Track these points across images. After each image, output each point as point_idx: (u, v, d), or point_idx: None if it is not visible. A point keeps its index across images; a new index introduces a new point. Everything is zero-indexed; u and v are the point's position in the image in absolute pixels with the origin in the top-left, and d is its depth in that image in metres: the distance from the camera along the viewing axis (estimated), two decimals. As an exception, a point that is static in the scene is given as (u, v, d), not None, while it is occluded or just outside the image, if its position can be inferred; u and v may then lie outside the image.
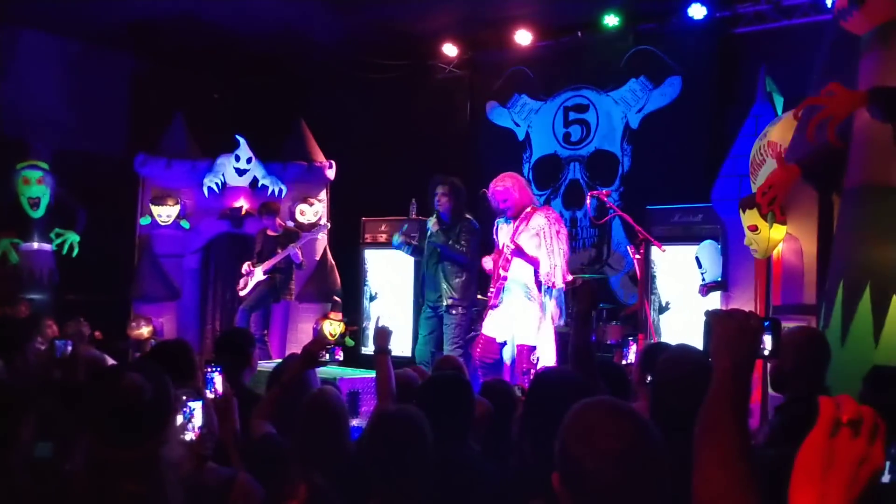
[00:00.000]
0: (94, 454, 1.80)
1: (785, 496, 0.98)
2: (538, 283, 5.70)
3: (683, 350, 2.64)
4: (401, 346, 7.05)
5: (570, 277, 5.87)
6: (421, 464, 2.35)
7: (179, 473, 1.98)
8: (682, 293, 6.81)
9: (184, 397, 2.32)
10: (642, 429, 1.53)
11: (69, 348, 3.46)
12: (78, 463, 2.22)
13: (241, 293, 7.83)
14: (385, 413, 2.59)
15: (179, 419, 2.26)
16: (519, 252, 5.65)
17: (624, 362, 4.33)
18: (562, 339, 6.60)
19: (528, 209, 5.81)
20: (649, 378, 2.82)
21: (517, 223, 5.77)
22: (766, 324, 1.64)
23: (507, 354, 5.86)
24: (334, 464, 2.59)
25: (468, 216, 6.22)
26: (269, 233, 8.01)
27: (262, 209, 8.14)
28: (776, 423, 3.13)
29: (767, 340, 1.66)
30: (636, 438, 1.51)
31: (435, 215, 6.26)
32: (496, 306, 5.76)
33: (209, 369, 2.65)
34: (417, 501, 2.32)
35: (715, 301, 5.95)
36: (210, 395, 2.48)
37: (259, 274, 7.78)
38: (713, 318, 1.56)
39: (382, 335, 3.71)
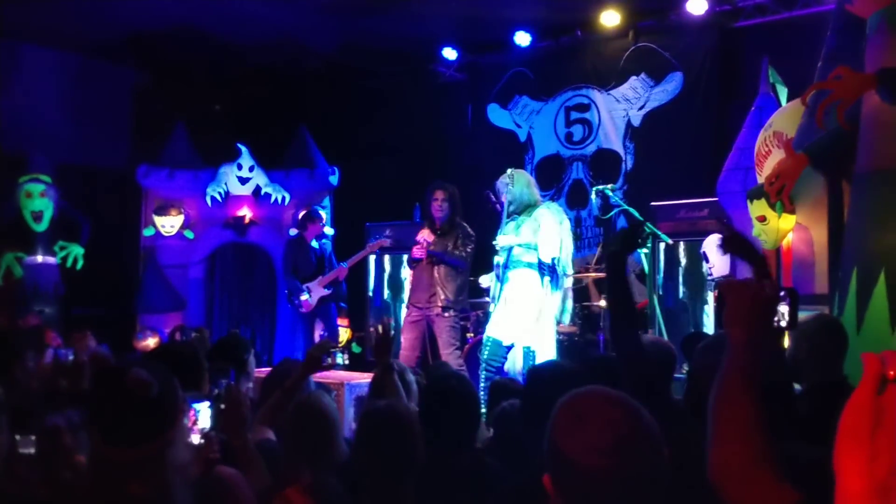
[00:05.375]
0: (98, 454, 1.73)
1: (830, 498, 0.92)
2: (541, 271, 5.59)
3: (723, 339, 2.56)
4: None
5: (571, 271, 5.79)
6: (410, 460, 2.29)
7: (187, 476, 1.91)
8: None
9: (189, 400, 2.26)
10: (636, 416, 1.41)
11: (71, 357, 3.41)
12: (81, 464, 2.18)
13: (303, 311, 7.49)
14: (372, 410, 2.53)
15: (185, 422, 2.20)
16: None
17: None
18: (568, 338, 6.56)
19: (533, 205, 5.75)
20: (686, 367, 2.75)
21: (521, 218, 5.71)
22: (782, 293, 1.56)
23: (513, 357, 5.77)
24: (324, 467, 2.53)
25: (463, 223, 6.19)
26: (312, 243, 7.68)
27: (307, 217, 7.75)
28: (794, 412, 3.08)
29: (784, 311, 1.57)
30: (631, 428, 1.39)
31: (426, 223, 6.24)
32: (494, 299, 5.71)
33: (222, 372, 2.61)
34: (410, 501, 2.26)
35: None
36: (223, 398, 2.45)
37: (321, 290, 7.48)
38: (726, 289, 1.50)
39: (384, 346, 3.30)
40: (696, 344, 2.65)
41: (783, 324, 1.57)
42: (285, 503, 2.05)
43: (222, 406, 2.46)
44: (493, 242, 5.68)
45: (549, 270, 5.57)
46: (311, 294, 7.47)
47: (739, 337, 1.44)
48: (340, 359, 3.11)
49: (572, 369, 2.54)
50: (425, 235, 6.18)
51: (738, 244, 2.14)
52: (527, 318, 5.52)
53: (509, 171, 5.78)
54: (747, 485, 1.30)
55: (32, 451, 2.42)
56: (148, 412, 1.71)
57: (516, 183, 5.69)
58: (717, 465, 1.34)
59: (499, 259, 5.65)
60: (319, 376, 3.48)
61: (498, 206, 6.01)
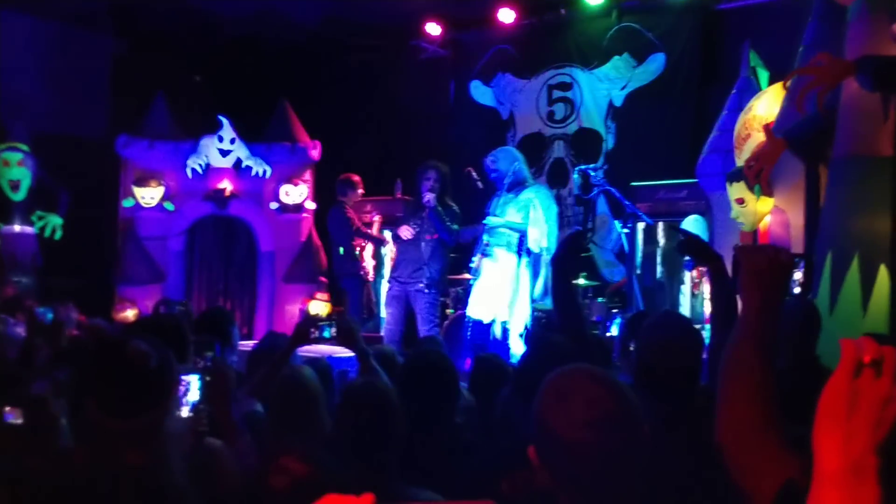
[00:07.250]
0: (96, 424, 1.74)
1: None
2: (519, 251, 5.71)
3: (668, 315, 2.66)
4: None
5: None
6: (390, 435, 2.34)
7: (182, 446, 1.94)
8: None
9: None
10: (620, 395, 1.47)
11: (50, 316, 3.40)
12: (77, 435, 2.20)
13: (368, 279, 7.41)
14: (351, 386, 2.58)
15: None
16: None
17: (607, 334, 4.39)
18: (545, 315, 6.64)
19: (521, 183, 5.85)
20: (632, 345, 2.83)
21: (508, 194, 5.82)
22: (797, 260, 1.58)
23: (494, 333, 5.86)
24: (309, 442, 2.57)
25: (451, 203, 6.25)
26: (351, 213, 7.53)
27: (347, 184, 7.54)
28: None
29: (799, 277, 1.59)
30: (614, 405, 1.45)
31: (415, 202, 6.29)
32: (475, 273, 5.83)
33: (207, 345, 2.64)
34: (393, 473, 2.30)
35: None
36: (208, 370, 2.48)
37: (371, 260, 7.38)
38: (742, 254, 1.51)
39: (349, 337, 3.18)
40: (640, 323, 2.75)
41: (798, 289, 1.59)
42: (283, 471, 2.08)
43: (208, 379, 2.49)
44: (484, 222, 5.81)
45: (527, 252, 5.70)
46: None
47: (754, 301, 1.45)
48: (328, 333, 3.12)
49: (574, 350, 2.59)
50: (405, 230, 6.21)
51: (693, 247, 2.20)
52: (503, 294, 5.65)
53: (499, 149, 5.91)
54: (753, 448, 1.33)
55: (20, 421, 2.43)
56: (147, 383, 1.74)
57: (508, 159, 5.81)
58: (724, 426, 1.38)
59: (487, 238, 5.78)
60: (303, 350, 3.50)
61: (479, 183, 6.11)
